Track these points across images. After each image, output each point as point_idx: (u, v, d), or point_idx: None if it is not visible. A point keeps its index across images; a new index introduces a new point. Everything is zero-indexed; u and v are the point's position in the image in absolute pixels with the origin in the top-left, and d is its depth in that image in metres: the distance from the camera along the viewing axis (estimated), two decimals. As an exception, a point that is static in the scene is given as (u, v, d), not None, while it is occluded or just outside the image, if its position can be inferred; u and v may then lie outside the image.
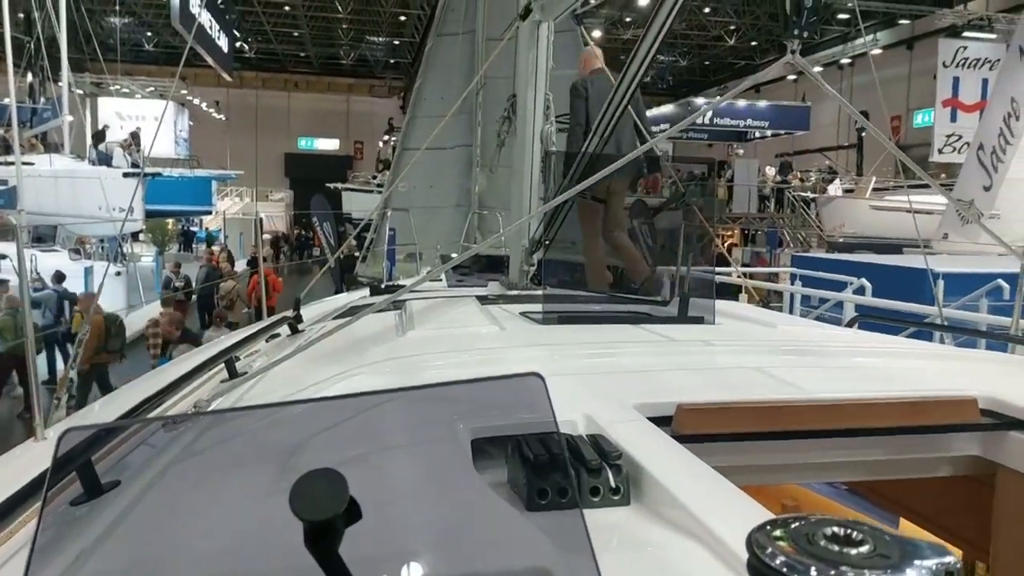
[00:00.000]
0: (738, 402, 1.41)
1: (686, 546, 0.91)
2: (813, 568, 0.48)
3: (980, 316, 5.65)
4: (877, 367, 1.93)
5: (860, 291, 6.85)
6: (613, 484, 1.04)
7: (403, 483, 0.86)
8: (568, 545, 0.76)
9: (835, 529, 0.52)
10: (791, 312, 7.49)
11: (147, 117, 28.98)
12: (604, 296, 3.75)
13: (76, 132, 20.65)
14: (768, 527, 0.54)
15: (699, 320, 2.53)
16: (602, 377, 1.65)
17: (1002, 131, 13.18)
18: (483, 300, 3.18)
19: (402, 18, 34.60)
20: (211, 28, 20.70)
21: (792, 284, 8.56)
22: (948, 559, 0.49)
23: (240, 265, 20.57)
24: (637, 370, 1.74)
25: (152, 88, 31.73)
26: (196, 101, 37.05)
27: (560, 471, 0.97)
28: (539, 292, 3.40)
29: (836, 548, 0.50)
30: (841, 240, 19.45)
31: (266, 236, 31.99)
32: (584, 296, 3.63)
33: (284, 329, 2.83)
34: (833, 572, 0.48)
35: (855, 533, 0.52)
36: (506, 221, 4.80)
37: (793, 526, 0.54)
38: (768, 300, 9.14)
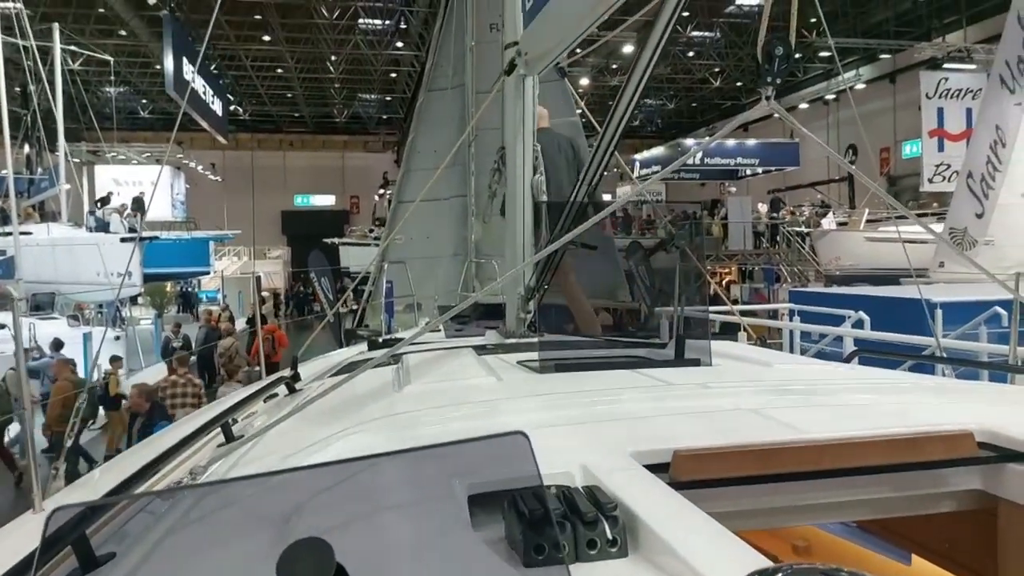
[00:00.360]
0: (735, 446, 1.40)
1: None
2: None
3: (980, 346, 5.62)
4: (873, 404, 1.92)
5: (859, 324, 6.84)
6: (610, 536, 1.04)
7: (394, 546, 0.85)
8: None
9: None
10: (791, 348, 7.47)
11: (144, 183, 29.34)
12: (601, 341, 3.74)
13: (73, 200, 20.91)
14: None
15: (696, 362, 2.53)
16: (598, 426, 1.64)
17: (989, 159, 13.34)
18: (480, 350, 3.17)
19: (393, 75, 35.32)
20: (205, 93, 21.15)
21: (791, 319, 8.56)
22: None
23: (240, 324, 20.64)
24: (634, 417, 1.73)
25: (148, 154, 32.23)
26: (192, 164, 37.53)
27: (549, 526, 0.97)
28: (536, 340, 3.39)
29: None
30: (838, 273, 19.52)
31: (264, 293, 32.08)
32: (581, 342, 3.62)
33: (282, 389, 2.83)
34: None
35: None
36: (502, 268, 4.85)
37: None
38: (767, 337, 9.14)
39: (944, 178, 20.25)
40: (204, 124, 22.76)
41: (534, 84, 3.87)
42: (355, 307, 9.49)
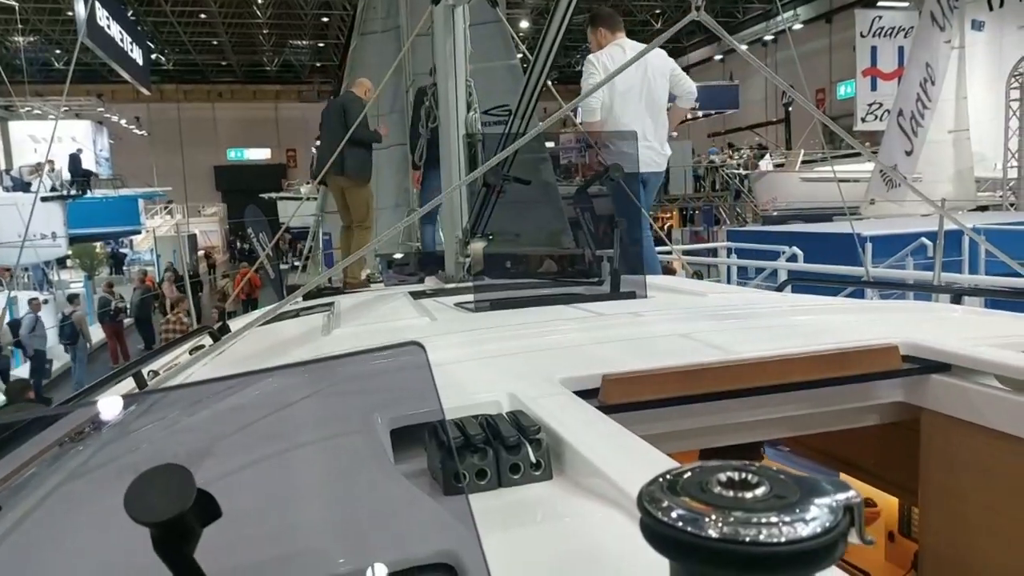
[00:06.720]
0: (663, 368, 1.38)
1: (608, 514, 0.88)
2: (706, 517, 0.44)
3: (907, 272, 5.81)
4: (803, 324, 1.94)
5: (793, 259, 6.99)
6: (533, 459, 1.00)
7: (270, 465, 0.79)
8: (457, 529, 0.71)
9: (730, 474, 0.48)
10: (728, 284, 7.60)
11: (63, 138, 27.79)
12: (541, 281, 3.71)
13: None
14: (661, 480, 0.50)
15: (631, 295, 2.52)
16: (530, 356, 1.61)
17: (919, 96, 13.63)
18: (417, 295, 3.11)
19: (324, 19, 34.01)
20: (123, 41, 19.99)
21: (728, 258, 8.69)
22: (848, 494, 0.45)
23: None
24: (564, 347, 1.70)
25: (67, 108, 30.46)
26: (115, 118, 35.65)
27: (446, 450, 0.92)
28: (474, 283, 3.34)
29: (731, 494, 0.46)
30: (775, 213, 19.93)
31: (200, 252, 31.15)
32: (520, 283, 3.58)
33: (207, 340, 2.72)
34: (721, 518, 0.43)
35: (751, 476, 0.47)
36: (445, 215, 4.74)
37: (686, 476, 0.49)
38: (704, 275, 9.29)
39: (876, 117, 20.64)
40: (124, 74, 21.58)
41: (465, 16, 3.73)
42: (297, 263, 9.29)
